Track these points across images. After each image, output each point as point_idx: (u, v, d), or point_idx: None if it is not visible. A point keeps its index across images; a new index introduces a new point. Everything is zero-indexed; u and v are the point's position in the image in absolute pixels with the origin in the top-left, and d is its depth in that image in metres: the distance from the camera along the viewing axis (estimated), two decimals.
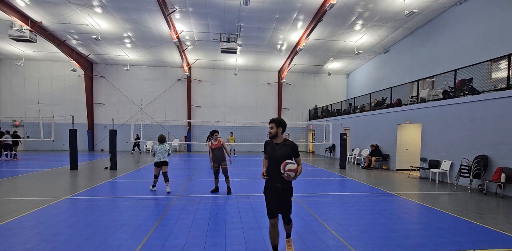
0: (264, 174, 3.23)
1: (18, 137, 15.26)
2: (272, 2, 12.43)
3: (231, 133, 18.36)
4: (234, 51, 15.48)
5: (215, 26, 14.90)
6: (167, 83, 21.71)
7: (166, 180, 6.96)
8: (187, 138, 21.45)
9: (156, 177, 7.02)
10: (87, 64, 20.06)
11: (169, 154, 7.05)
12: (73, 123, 12.10)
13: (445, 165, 8.98)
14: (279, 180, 3.15)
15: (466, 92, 8.77)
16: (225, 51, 15.35)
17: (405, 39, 15.66)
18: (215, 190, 6.98)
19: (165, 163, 6.94)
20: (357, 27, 14.66)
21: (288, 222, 3.42)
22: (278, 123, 3.21)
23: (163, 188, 7.35)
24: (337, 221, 4.79)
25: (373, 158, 12.40)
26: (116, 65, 21.01)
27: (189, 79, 21.41)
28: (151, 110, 21.54)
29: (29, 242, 3.71)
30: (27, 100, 20.26)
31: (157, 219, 4.78)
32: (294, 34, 15.82)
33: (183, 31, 15.33)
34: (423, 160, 10.18)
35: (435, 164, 9.48)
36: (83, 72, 19.78)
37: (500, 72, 8.49)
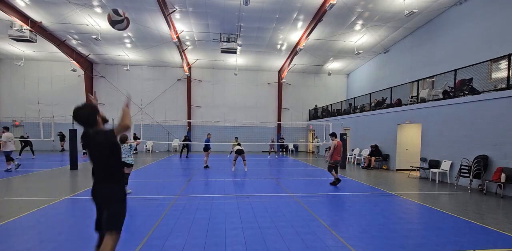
0: None
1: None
2: (272, 2, 12.43)
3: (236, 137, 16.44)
4: (234, 51, 15.47)
5: (215, 26, 14.90)
6: (167, 83, 21.71)
7: (126, 182, 6.57)
8: (187, 138, 21.41)
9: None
10: (87, 64, 20.06)
11: (134, 150, 6.65)
12: (73, 124, 12.07)
13: (445, 165, 8.98)
14: None
15: (466, 92, 8.77)
16: (225, 51, 15.35)
17: (405, 39, 15.65)
18: None
19: (126, 164, 6.47)
20: (357, 27, 14.66)
21: None
22: None
23: (161, 188, 7.34)
24: (337, 221, 4.79)
25: (373, 158, 12.40)
26: (116, 65, 21.01)
27: (189, 79, 21.41)
28: (151, 110, 21.53)
29: (29, 242, 3.71)
30: (27, 100, 20.26)
31: (157, 219, 4.78)
32: (294, 34, 15.82)
33: (183, 31, 15.33)
34: (423, 160, 10.17)
35: (435, 164, 9.48)
36: (83, 72, 19.78)
37: (500, 72, 8.48)
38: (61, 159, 14.62)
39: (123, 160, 6.53)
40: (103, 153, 2.58)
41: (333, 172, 8.11)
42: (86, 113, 2.53)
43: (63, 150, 19.27)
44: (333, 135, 8.37)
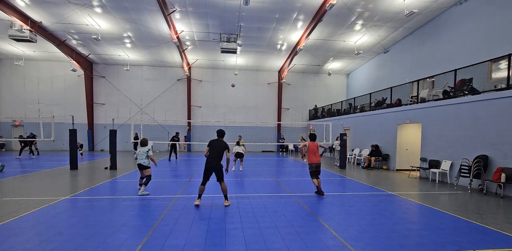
0: None
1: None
2: (272, 2, 12.43)
3: (239, 136, 17.35)
4: (234, 51, 15.47)
5: (215, 26, 14.90)
6: (167, 83, 21.71)
7: (144, 183, 6.62)
8: (187, 138, 21.44)
9: (141, 178, 6.85)
10: (87, 64, 20.06)
11: (148, 157, 6.68)
12: (73, 123, 12.09)
13: (445, 165, 8.98)
14: None
15: (466, 92, 8.77)
16: (225, 51, 15.35)
17: (405, 39, 15.65)
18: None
19: (142, 166, 6.63)
20: (357, 27, 14.65)
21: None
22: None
23: (161, 188, 7.35)
24: (337, 221, 4.78)
25: (373, 158, 12.39)
26: (116, 65, 21.01)
27: (189, 79, 21.40)
28: (151, 110, 21.53)
29: (29, 242, 3.71)
30: (27, 100, 20.26)
31: (157, 219, 4.78)
32: (294, 34, 15.82)
33: (183, 31, 15.33)
34: (423, 160, 10.17)
35: (435, 164, 9.48)
36: (83, 72, 19.78)
37: (500, 72, 8.48)
38: (61, 159, 14.61)
39: (139, 161, 6.63)
40: (221, 149, 5.75)
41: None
42: (224, 133, 6.05)
43: (32, 152, 15.71)
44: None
